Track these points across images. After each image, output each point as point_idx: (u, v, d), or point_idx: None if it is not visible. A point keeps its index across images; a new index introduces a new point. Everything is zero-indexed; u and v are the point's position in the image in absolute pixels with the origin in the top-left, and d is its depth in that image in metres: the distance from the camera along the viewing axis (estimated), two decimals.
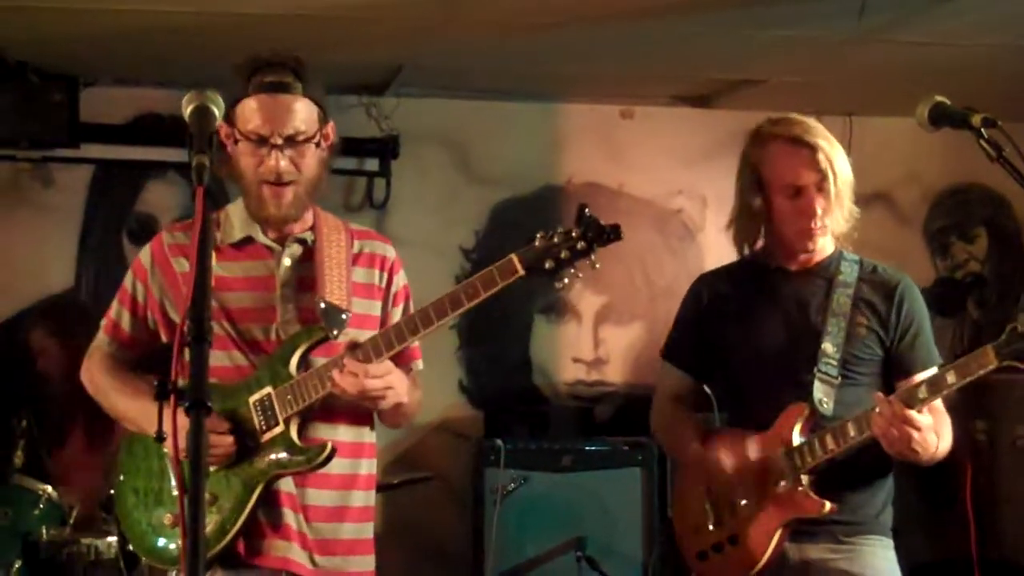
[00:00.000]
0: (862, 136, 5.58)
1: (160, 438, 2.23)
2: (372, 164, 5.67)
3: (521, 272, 2.69)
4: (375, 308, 2.96)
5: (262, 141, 2.77)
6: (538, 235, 2.69)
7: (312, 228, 2.94)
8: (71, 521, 4.17)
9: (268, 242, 2.91)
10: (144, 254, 3.01)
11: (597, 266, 2.68)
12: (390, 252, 3.03)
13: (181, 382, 2.00)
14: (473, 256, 5.83)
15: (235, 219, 2.93)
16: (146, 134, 5.65)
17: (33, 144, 5.44)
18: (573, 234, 2.65)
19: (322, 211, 2.99)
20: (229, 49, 4.87)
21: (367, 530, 2.97)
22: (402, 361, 2.91)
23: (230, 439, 2.76)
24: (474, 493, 5.24)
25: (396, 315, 2.98)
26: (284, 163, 2.78)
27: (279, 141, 2.76)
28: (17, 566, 4.05)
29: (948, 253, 6.16)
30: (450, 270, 5.73)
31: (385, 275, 3.00)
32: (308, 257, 2.91)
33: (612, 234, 2.65)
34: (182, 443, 2.58)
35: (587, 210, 2.66)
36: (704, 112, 5.94)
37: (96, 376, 3.03)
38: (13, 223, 5.55)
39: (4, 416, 4.60)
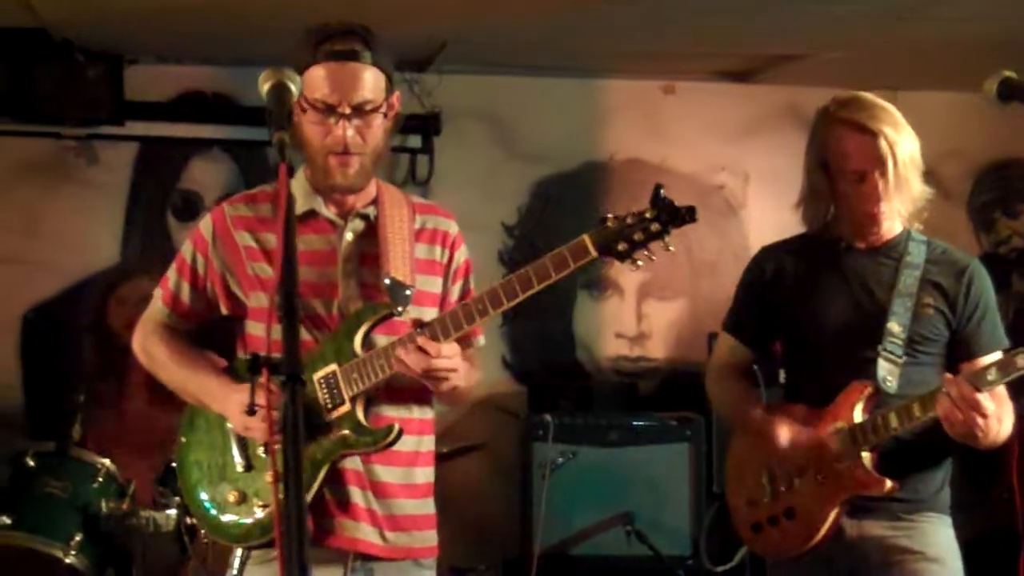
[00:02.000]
0: (905, 111, 5.40)
1: (251, 411, 2.24)
2: (415, 141, 5.69)
3: (594, 254, 2.64)
4: (436, 284, 2.91)
5: (329, 110, 2.70)
6: (609, 216, 2.64)
7: (375, 202, 2.88)
8: (129, 494, 4.19)
9: (331, 216, 2.85)
10: (205, 226, 2.93)
11: (671, 248, 2.63)
12: (453, 228, 2.97)
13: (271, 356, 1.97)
14: (515, 232, 5.85)
15: (297, 192, 2.84)
16: (190, 111, 5.69)
17: (78, 122, 5.49)
18: (647, 215, 2.60)
19: (384, 183, 2.95)
20: (272, 26, 4.94)
21: (430, 504, 2.94)
22: (463, 338, 2.85)
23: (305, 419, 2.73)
24: (522, 467, 5.26)
25: (455, 292, 2.95)
26: (351, 133, 2.71)
27: (347, 110, 2.70)
28: (78, 538, 4.08)
29: (992, 228, 6.15)
30: (492, 246, 5.76)
31: (447, 251, 2.95)
32: (371, 232, 2.86)
33: (687, 216, 2.60)
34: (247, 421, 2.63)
35: (662, 191, 2.61)
36: (747, 87, 5.93)
37: (153, 347, 2.97)
38: (59, 200, 5.59)
39: (61, 390, 4.65)
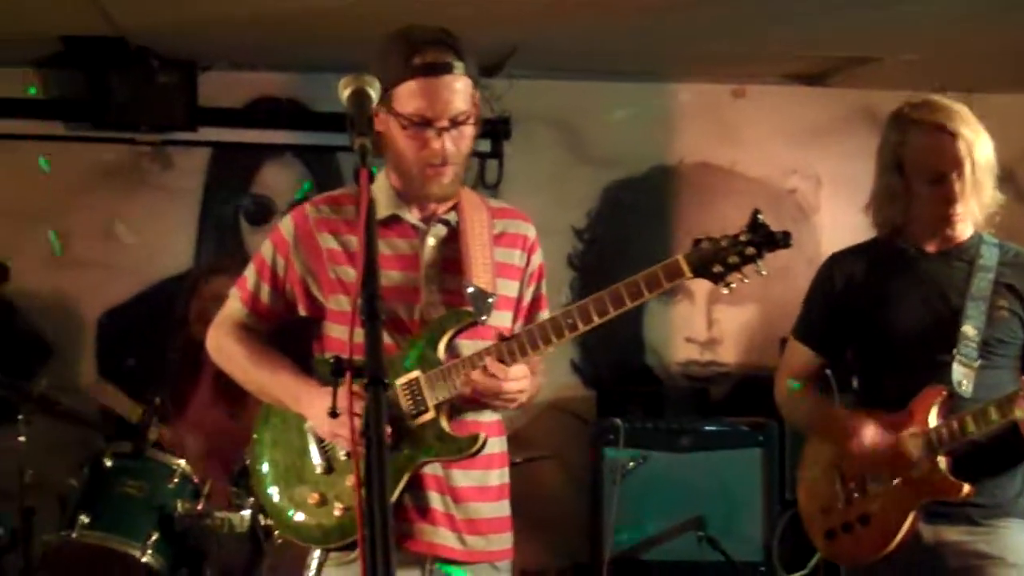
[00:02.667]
0: (982, 113, 5.37)
1: (334, 414, 2.24)
2: (484, 145, 5.68)
3: (688, 275, 2.62)
4: (513, 288, 2.90)
5: (426, 124, 2.68)
6: (704, 237, 2.63)
7: (455, 207, 2.87)
8: (204, 494, 4.23)
9: (415, 221, 2.85)
10: (286, 226, 2.92)
11: (764, 273, 2.61)
12: (531, 232, 2.96)
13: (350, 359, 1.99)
14: (585, 236, 5.85)
15: (380, 196, 2.80)
16: (262, 117, 5.75)
17: (153, 128, 5.56)
18: (742, 239, 2.58)
19: (463, 187, 2.92)
20: (344, 33, 4.99)
21: (506, 507, 2.93)
22: None
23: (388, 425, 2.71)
24: (592, 472, 5.25)
25: (529, 295, 2.94)
26: (449, 145, 2.70)
27: (445, 124, 2.68)
28: (154, 538, 4.12)
29: None
30: (562, 250, 5.76)
31: (525, 255, 2.94)
32: (452, 238, 2.85)
33: (783, 241, 2.58)
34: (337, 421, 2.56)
35: (760, 215, 2.59)
36: (818, 90, 5.89)
37: (230, 347, 2.96)
38: (134, 205, 5.68)
39: (138, 392, 4.70)
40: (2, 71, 5.48)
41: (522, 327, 2.88)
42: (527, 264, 2.94)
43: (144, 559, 4.10)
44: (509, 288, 2.88)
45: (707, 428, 5.23)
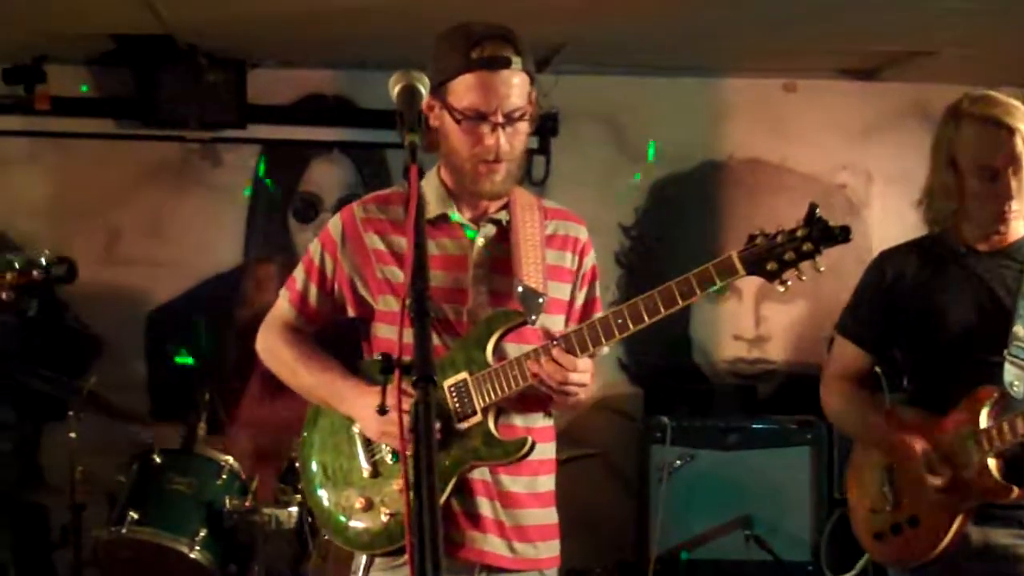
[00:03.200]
0: None
1: (383, 411, 2.22)
2: (531, 142, 5.64)
3: (742, 273, 2.54)
4: (565, 291, 2.85)
5: (481, 118, 2.62)
6: (758, 233, 2.54)
7: (506, 206, 2.80)
8: (252, 491, 4.25)
9: (464, 221, 2.79)
10: (334, 227, 2.88)
11: (821, 269, 2.52)
12: (583, 234, 2.90)
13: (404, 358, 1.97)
14: (632, 233, 5.82)
15: (430, 195, 2.78)
16: (310, 114, 5.77)
17: (203, 125, 5.58)
18: (799, 234, 2.50)
19: (516, 186, 2.85)
20: (390, 30, 4.99)
21: (554, 513, 2.88)
22: None
23: (437, 424, 2.65)
24: (638, 470, 5.23)
25: (581, 298, 2.88)
26: (504, 141, 2.63)
27: (500, 119, 2.61)
28: (202, 534, 4.15)
29: None
30: (609, 247, 5.73)
31: (577, 257, 2.88)
32: (502, 238, 2.79)
33: (841, 236, 2.49)
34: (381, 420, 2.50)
35: (818, 210, 2.51)
36: (871, 85, 5.82)
37: (278, 347, 2.92)
38: (184, 202, 5.72)
39: (189, 389, 4.74)
40: (56, 69, 5.52)
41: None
42: (579, 267, 2.88)
43: (193, 555, 4.12)
44: (560, 291, 2.83)
45: (755, 426, 5.19)
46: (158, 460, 4.32)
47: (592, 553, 5.45)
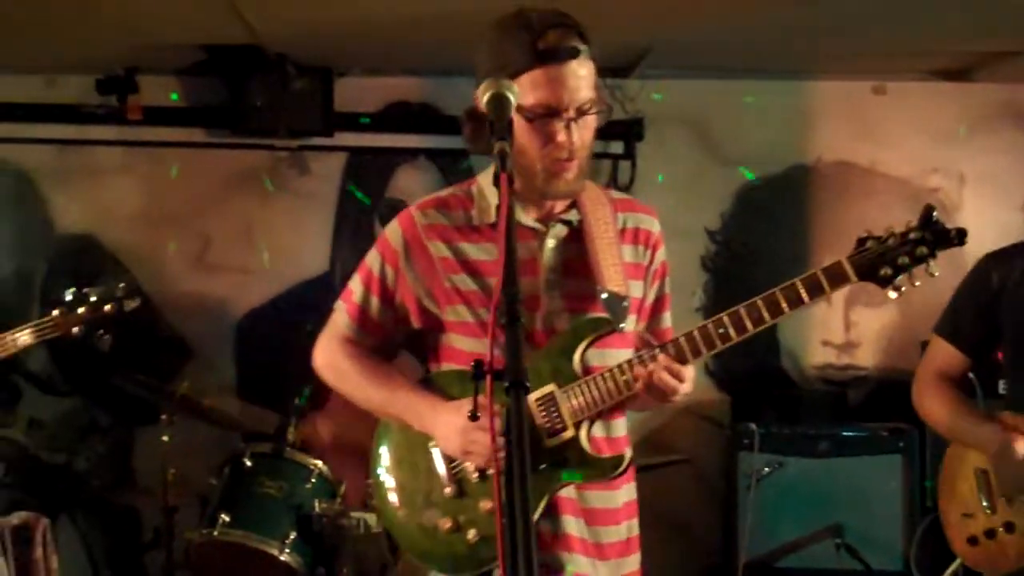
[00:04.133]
0: None
1: (474, 416, 2.18)
2: (617, 146, 5.66)
3: (854, 279, 2.47)
4: (639, 288, 2.70)
5: (553, 115, 2.48)
6: (868, 237, 2.48)
7: (575, 204, 2.67)
8: (341, 495, 4.28)
9: (531, 223, 2.64)
10: (394, 235, 2.72)
11: (935, 274, 2.46)
12: (655, 226, 2.76)
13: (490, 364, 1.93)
14: (718, 238, 5.77)
15: (492, 197, 2.64)
16: (396, 121, 5.79)
17: (291, 133, 5.64)
18: (912, 236, 2.45)
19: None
20: (476, 37, 4.99)
21: (636, 526, 2.77)
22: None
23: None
24: (726, 477, 5.18)
25: (652, 295, 2.75)
26: (576, 137, 2.51)
27: (572, 114, 2.49)
28: (292, 537, 4.19)
29: None
30: (695, 252, 5.70)
31: (649, 251, 2.74)
32: (574, 238, 2.65)
33: (957, 239, 2.44)
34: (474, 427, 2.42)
35: (935, 213, 2.46)
36: (962, 86, 5.70)
37: (340, 363, 2.79)
38: (272, 210, 5.78)
39: (280, 394, 4.79)
40: (147, 79, 5.61)
41: (645, 328, 2.74)
42: (651, 261, 2.74)
43: (283, 557, 4.16)
44: (637, 289, 2.70)
45: (845, 433, 5.10)
46: (249, 464, 4.37)
47: (679, 560, 5.41)
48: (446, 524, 2.62)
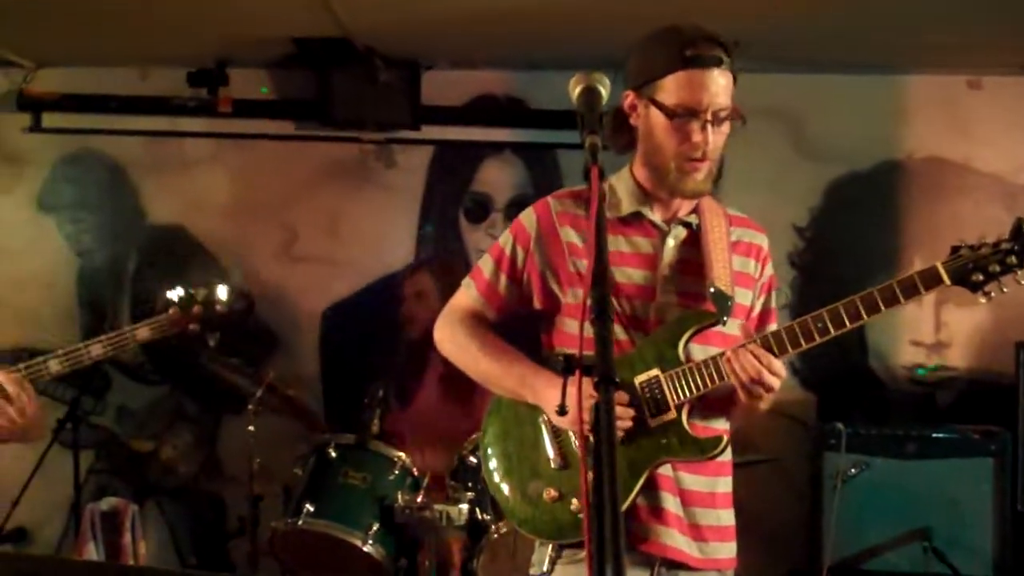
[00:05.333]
0: None
1: (562, 411, 2.23)
2: None
3: (947, 282, 2.62)
4: (747, 297, 2.89)
5: (691, 115, 2.68)
6: (962, 244, 2.64)
7: (695, 211, 2.86)
8: (423, 487, 4.29)
9: (656, 220, 2.84)
10: (528, 219, 2.93)
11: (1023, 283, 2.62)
12: (765, 242, 2.96)
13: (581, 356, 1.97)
14: (806, 234, 5.69)
15: (622, 193, 2.86)
16: (482, 115, 5.80)
17: (378, 126, 5.68)
18: (1004, 246, 2.60)
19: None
20: (563, 31, 4.98)
21: (731, 516, 2.90)
22: None
23: (631, 412, 2.70)
24: (811, 477, 5.11)
25: (759, 306, 2.93)
26: (710, 139, 2.70)
27: (709, 117, 2.68)
28: (375, 528, 4.20)
29: None
30: (781, 248, 5.62)
31: (759, 265, 2.93)
32: (692, 240, 2.85)
33: None
34: (577, 418, 2.52)
35: None
36: None
37: (460, 336, 2.97)
38: (359, 202, 5.82)
39: (362, 386, 4.82)
40: (238, 72, 5.69)
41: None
42: (760, 275, 2.93)
43: (366, 548, 4.18)
44: (744, 296, 2.88)
45: (935, 435, 5.00)
46: (333, 454, 4.39)
47: (762, 560, 5.33)
48: (551, 494, 2.81)
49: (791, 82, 5.60)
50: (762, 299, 2.94)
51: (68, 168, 5.90)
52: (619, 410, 2.64)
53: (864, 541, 4.89)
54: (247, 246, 5.80)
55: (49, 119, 5.82)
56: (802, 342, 2.67)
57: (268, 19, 4.96)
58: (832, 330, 2.66)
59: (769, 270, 2.96)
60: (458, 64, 5.73)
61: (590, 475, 1.84)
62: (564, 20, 4.82)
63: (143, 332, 3.08)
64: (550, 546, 2.83)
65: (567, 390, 2.32)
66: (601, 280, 1.97)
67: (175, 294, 3.13)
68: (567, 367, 2.04)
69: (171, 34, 5.21)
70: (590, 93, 2.30)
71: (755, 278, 2.91)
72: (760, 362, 2.64)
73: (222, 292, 3.07)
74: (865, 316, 2.66)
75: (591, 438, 1.88)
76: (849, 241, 5.66)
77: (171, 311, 3.06)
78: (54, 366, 3.08)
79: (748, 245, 2.92)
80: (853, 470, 4.91)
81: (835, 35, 5.05)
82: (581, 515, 2.74)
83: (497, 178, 5.81)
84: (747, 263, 2.90)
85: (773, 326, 2.92)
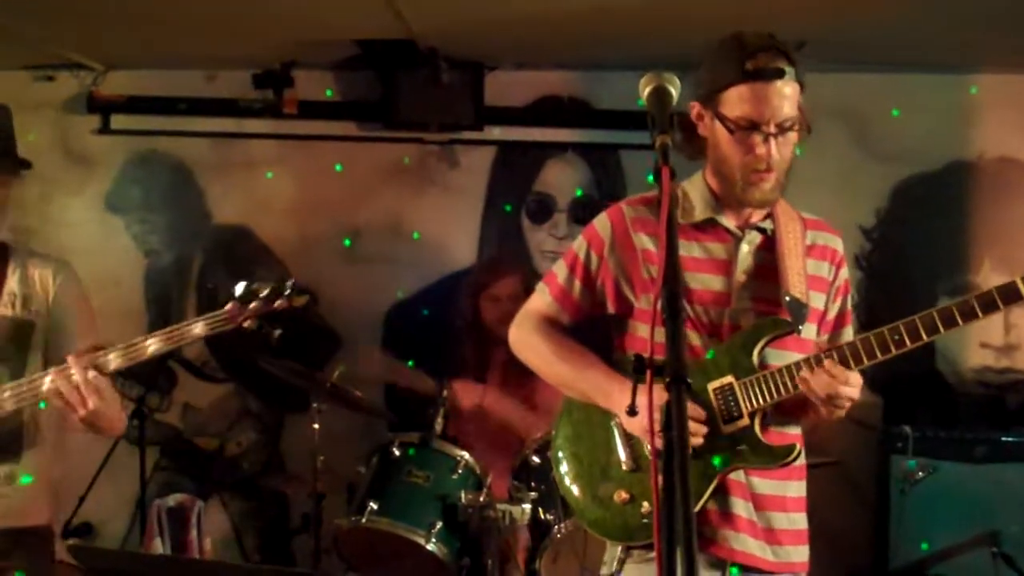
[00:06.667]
0: None
1: (633, 412, 2.24)
2: None
3: None
4: (821, 301, 2.90)
5: (753, 128, 2.70)
6: None
7: (770, 215, 2.87)
8: (487, 486, 4.29)
9: (730, 226, 2.86)
10: (602, 225, 2.96)
11: None
12: (839, 245, 2.99)
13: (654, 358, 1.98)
14: (873, 236, 5.64)
15: (695, 199, 2.88)
16: (545, 115, 5.79)
17: (441, 127, 5.69)
18: None
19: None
20: (627, 31, 4.97)
21: (804, 519, 2.91)
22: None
23: (704, 429, 2.71)
24: (876, 480, 5.06)
25: (834, 310, 2.94)
26: (775, 151, 2.71)
27: (772, 130, 2.70)
28: (438, 527, 4.20)
29: None
30: (848, 250, 5.48)
31: (834, 268, 2.95)
32: (766, 246, 2.85)
33: None
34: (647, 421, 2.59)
35: None
36: None
37: (534, 339, 3.00)
38: (422, 202, 5.84)
39: (420, 384, 4.83)
40: (302, 74, 5.73)
41: (827, 342, 2.88)
42: (835, 278, 2.95)
43: (429, 547, 4.18)
44: (818, 301, 2.88)
45: (1005, 439, 4.93)
46: (397, 453, 4.40)
47: (825, 563, 5.23)
48: (622, 496, 2.83)
49: (858, 82, 5.55)
50: (837, 303, 2.95)
51: (136, 169, 5.97)
52: (692, 426, 2.65)
53: (931, 546, 4.83)
54: (310, 246, 5.84)
55: (117, 121, 5.90)
56: (878, 354, 2.69)
57: (334, 22, 5.00)
58: (908, 343, 2.68)
59: (844, 273, 2.97)
60: (522, 65, 5.74)
61: (661, 488, 1.83)
62: (628, 21, 4.81)
63: (199, 327, 3.09)
64: (620, 546, 2.85)
65: (638, 391, 2.32)
66: (672, 279, 1.96)
67: (237, 289, 3.14)
68: (638, 368, 2.03)
69: (237, 37, 5.26)
70: (661, 93, 2.30)
71: (829, 281, 2.92)
72: (836, 379, 2.66)
73: (282, 288, 3.08)
74: (942, 330, 2.66)
75: (661, 440, 1.87)
76: (917, 243, 5.59)
77: (229, 306, 3.07)
78: (114, 360, 3.10)
79: (823, 248, 2.94)
80: (920, 473, 4.85)
81: (904, 34, 4.99)
82: (651, 517, 2.75)
83: (560, 179, 5.80)
84: (821, 266, 2.91)
85: (849, 329, 2.94)
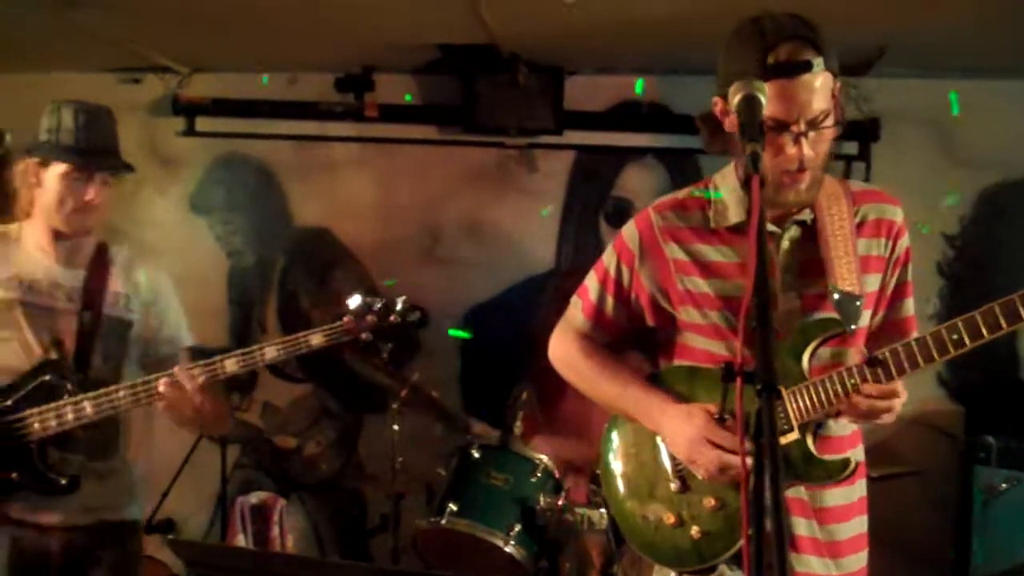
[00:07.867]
0: None
1: (723, 419, 2.18)
2: (851, 148, 5.51)
3: None
4: (876, 282, 2.70)
5: (782, 128, 2.47)
6: None
7: (811, 204, 2.66)
8: (565, 490, 4.29)
9: (768, 226, 2.63)
10: (630, 236, 2.82)
11: None
12: (898, 215, 2.72)
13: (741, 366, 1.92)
14: (957, 243, 5.56)
15: (729, 201, 2.70)
16: (625, 120, 5.79)
17: (520, 131, 5.71)
18: None
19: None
20: (706, 37, 4.92)
21: (865, 521, 2.78)
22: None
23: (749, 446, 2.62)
24: (958, 492, 4.99)
25: (892, 283, 2.73)
26: (807, 150, 2.49)
27: (802, 128, 2.46)
28: (517, 529, 4.21)
29: None
30: (931, 257, 5.50)
31: (889, 242, 2.70)
32: (809, 237, 2.65)
33: None
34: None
35: None
36: None
37: (573, 357, 2.90)
38: (501, 206, 5.87)
39: (507, 387, 4.84)
40: (383, 78, 5.78)
41: (884, 316, 2.72)
42: (892, 251, 2.72)
43: (507, 549, 4.20)
44: (873, 283, 2.70)
45: None
46: (476, 455, 4.42)
47: (902, 575, 5.23)
48: (670, 519, 2.70)
49: (942, 87, 5.49)
50: (896, 274, 2.73)
51: (219, 171, 6.06)
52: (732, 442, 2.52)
53: (1015, 558, 4.74)
54: (390, 248, 5.89)
55: (202, 123, 6.00)
56: (935, 355, 2.47)
57: (416, 27, 5.03)
58: (968, 341, 2.43)
59: (904, 242, 2.72)
60: (601, 70, 5.74)
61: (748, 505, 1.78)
62: (705, 26, 4.78)
63: (317, 338, 3.15)
64: (672, 573, 2.74)
65: (726, 398, 2.27)
66: (761, 289, 1.90)
67: (352, 302, 3.19)
68: (727, 375, 1.95)
69: (320, 41, 5.32)
70: (750, 100, 2.17)
71: (885, 258, 2.70)
72: (875, 398, 2.49)
73: (397, 303, 3.12)
74: (1005, 326, 2.40)
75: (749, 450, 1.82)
76: (1001, 251, 5.50)
77: (346, 319, 3.12)
78: (230, 366, 3.18)
79: (876, 223, 2.70)
80: (1004, 485, 4.77)
81: (986, 40, 4.92)
82: (700, 542, 2.65)
83: (638, 183, 5.79)
84: (875, 244, 2.69)
85: (909, 301, 2.76)
